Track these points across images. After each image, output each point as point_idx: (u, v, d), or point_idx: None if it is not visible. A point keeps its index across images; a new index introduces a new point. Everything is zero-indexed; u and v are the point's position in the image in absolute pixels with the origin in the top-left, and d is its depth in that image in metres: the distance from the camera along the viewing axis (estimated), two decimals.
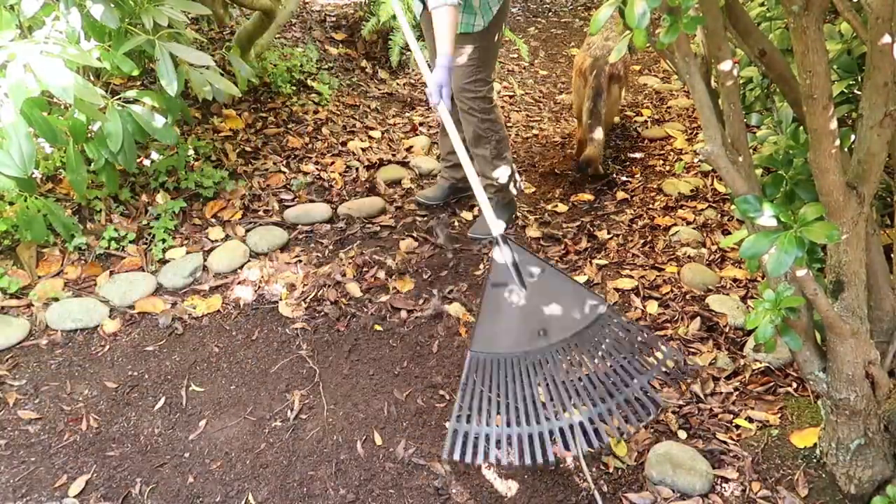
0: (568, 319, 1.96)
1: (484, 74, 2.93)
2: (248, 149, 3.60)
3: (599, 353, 1.94)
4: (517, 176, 3.31)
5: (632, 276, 2.93)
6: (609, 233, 3.22)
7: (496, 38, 2.91)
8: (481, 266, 3.00)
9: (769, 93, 2.29)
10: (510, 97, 4.69)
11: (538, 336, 1.97)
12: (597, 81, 3.43)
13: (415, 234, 3.17)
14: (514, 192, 3.24)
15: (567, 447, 1.90)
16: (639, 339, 1.96)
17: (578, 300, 1.99)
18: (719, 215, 3.31)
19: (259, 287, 2.85)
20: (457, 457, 1.89)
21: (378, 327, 2.69)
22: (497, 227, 2.19)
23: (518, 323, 2.02)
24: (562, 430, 1.89)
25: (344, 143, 3.83)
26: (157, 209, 3.09)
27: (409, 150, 3.86)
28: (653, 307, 2.76)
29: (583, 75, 3.50)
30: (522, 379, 1.95)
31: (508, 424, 1.91)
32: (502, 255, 2.10)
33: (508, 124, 4.30)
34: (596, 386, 1.92)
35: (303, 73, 4.25)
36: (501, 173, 3.06)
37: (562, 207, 3.43)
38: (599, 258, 3.06)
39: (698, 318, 2.69)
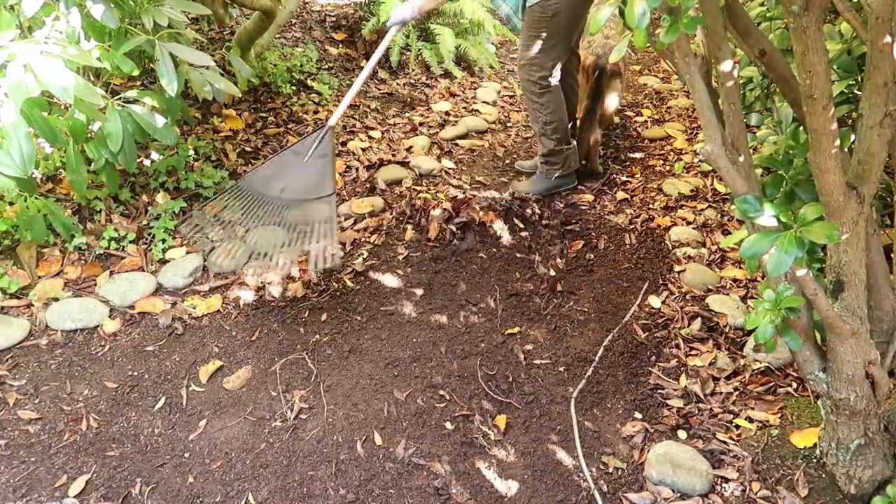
0: (307, 189, 2.74)
1: (539, 59, 3.13)
2: (248, 149, 3.60)
3: (310, 216, 2.74)
4: (572, 161, 3.47)
5: (631, 274, 2.94)
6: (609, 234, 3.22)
7: (558, 25, 3.05)
8: (478, 266, 3.01)
9: (769, 93, 2.29)
10: (510, 97, 4.69)
11: (279, 191, 2.75)
12: (598, 83, 3.42)
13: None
14: (559, 171, 3.43)
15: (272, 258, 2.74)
16: (329, 225, 2.72)
17: (325, 184, 2.75)
18: (719, 215, 3.31)
19: (259, 287, 2.85)
20: (187, 232, 2.81)
21: (379, 327, 2.69)
22: (332, 120, 2.82)
23: (278, 178, 2.76)
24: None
25: (344, 143, 3.83)
26: (157, 209, 3.09)
27: (409, 150, 3.86)
28: (655, 303, 2.77)
29: (585, 73, 3.49)
30: (260, 212, 2.74)
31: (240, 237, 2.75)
32: (317, 138, 2.75)
33: (508, 124, 4.30)
34: (299, 233, 2.74)
35: (303, 73, 4.25)
36: (544, 148, 3.39)
37: (562, 207, 3.43)
38: (598, 255, 3.07)
39: (698, 318, 2.69)
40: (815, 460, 2.08)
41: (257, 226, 2.76)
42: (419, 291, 2.87)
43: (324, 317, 2.73)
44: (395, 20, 2.94)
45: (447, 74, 4.76)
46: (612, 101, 3.53)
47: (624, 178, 3.67)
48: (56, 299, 2.70)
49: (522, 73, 3.22)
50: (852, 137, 1.75)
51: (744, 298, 2.78)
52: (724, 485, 2.07)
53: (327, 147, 2.77)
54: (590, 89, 3.45)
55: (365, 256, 3.03)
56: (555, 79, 3.21)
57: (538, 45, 3.11)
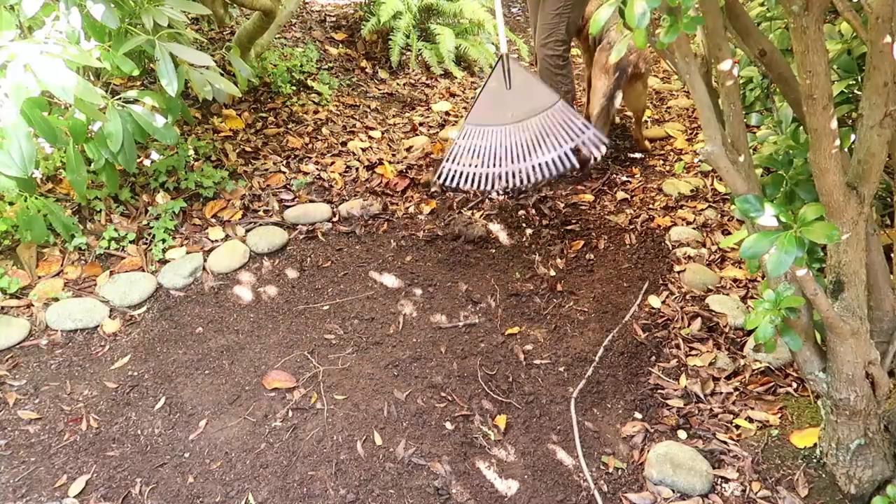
0: (532, 106, 2.80)
1: (561, 35, 3.40)
2: (248, 149, 3.60)
3: (549, 126, 2.78)
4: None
5: (631, 274, 2.94)
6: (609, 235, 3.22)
7: (575, 2, 3.36)
8: (478, 266, 3.01)
9: (769, 93, 2.29)
10: None
11: (510, 117, 2.81)
12: (617, 82, 3.48)
13: (415, 236, 3.17)
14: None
15: (530, 179, 2.74)
16: (577, 122, 2.77)
17: (543, 95, 2.83)
18: (719, 215, 3.31)
19: (259, 287, 2.85)
20: (446, 182, 2.80)
21: (379, 327, 2.69)
22: (503, 48, 2.89)
23: (499, 107, 2.83)
24: (525, 169, 2.75)
25: (344, 143, 3.83)
26: (157, 209, 3.09)
27: (408, 150, 3.86)
28: (655, 303, 2.77)
29: (606, 73, 3.52)
30: (498, 141, 2.79)
31: (488, 167, 2.78)
32: (504, 66, 2.83)
33: None
34: (545, 144, 2.76)
35: (303, 73, 4.25)
36: None
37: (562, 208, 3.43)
38: (598, 255, 3.07)
39: (698, 318, 2.69)
40: (815, 460, 2.08)
41: (506, 155, 2.78)
42: (419, 291, 2.87)
43: (324, 317, 2.73)
44: None
45: (447, 74, 4.76)
46: (637, 97, 3.67)
47: (624, 178, 3.67)
48: (56, 299, 2.70)
49: (546, 50, 3.44)
50: (852, 137, 1.75)
51: (744, 298, 2.78)
52: (724, 485, 2.07)
53: (518, 69, 2.88)
54: (608, 89, 3.51)
55: (366, 256, 3.04)
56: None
57: (562, 21, 3.36)
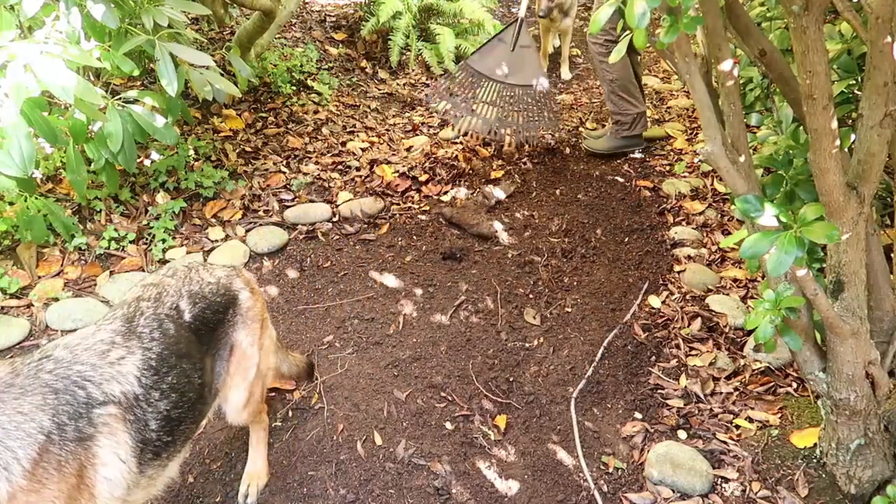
0: (523, 76, 3.56)
1: (606, 25, 3.61)
2: (248, 149, 3.60)
3: (529, 97, 3.65)
4: (640, 123, 3.81)
5: (631, 274, 2.94)
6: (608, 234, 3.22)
7: None
8: (478, 266, 3.01)
9: (769, 93, 2.29)
10: None
11: (504, 75, 3.55)
12: None
13: (415, 240, 3.17)
14: (626, 131, 3.77)
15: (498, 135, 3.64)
16: (550, 103, 3.74)
17: (535, 71, 3.58)
18: (719, 215, 3.31)
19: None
20: (435, 105, 3.74)
21: (378, 327, 2.69)
22: (522, 12, 3.61)
23: (497, 63, 3.50)
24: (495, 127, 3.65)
25: (344, 143, 3.83)
26: (157, 209, 3.09)
27: (408, 150, 3.86)
28: (655, 303, 2.77)
29: None
30: (487, 90, 3.61)
31: (472, 111, 3.61)
32: (516, 29, 3.51)
33: None
34: (524, 110, 3.63)
35: (303, 73, 4.25)
36: (613, 106, 3.76)
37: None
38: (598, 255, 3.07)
39: (698, 318, 2.69)
40: (815, 460, 2.08)
41: (486, 101, 3.55)
42: (419, 291, 2.87)
43: (324, 317, 2.73)
44: None
45: (447, 74, 4.76)
46: None
47: (623, 179, 3.66)
48: (56, 299, 2.70)
49: (593, 39, 3.64)
50: (852, 137, 1.75)
51: (744, 298, 2.78)
52: (724, 485, 2.07)
53: (526, 38, 3.48)
54: None
55: (366, 256, 3.03)
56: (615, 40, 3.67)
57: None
